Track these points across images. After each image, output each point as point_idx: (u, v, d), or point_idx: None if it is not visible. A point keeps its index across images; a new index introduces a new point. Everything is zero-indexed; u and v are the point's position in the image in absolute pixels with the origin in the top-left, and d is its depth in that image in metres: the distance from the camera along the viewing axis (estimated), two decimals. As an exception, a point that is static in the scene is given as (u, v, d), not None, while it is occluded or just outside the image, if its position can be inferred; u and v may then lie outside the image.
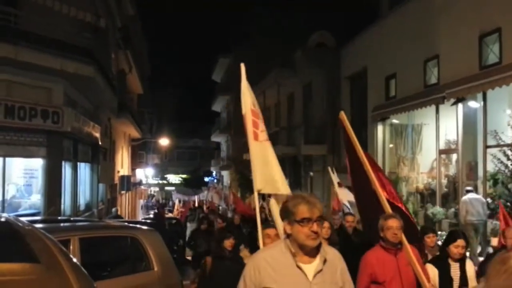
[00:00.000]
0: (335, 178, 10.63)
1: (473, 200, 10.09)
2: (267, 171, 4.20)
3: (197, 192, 35.48)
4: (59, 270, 2.39)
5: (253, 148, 4.28)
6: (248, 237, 6.27)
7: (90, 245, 5.41)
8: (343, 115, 4.58)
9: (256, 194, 4.13)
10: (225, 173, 40.28)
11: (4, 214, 3.49)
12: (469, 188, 10.48)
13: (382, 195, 4.30)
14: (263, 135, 4.37)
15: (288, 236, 2.63)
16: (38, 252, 2.45)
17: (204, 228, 10.64)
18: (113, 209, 18.33)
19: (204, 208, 20.79)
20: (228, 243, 5.59)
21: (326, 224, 5.93)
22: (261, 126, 4.43)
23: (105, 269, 5.59)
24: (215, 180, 48.10)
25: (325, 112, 19.19)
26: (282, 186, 4.22)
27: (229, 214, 14.90)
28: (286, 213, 2.63)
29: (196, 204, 25.34)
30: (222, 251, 5.66)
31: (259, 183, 4.11)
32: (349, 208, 9.60)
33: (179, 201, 33.33)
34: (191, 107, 59.51)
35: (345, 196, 9.68)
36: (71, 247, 5.06)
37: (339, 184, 10.33)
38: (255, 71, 30.45)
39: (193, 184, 51.15)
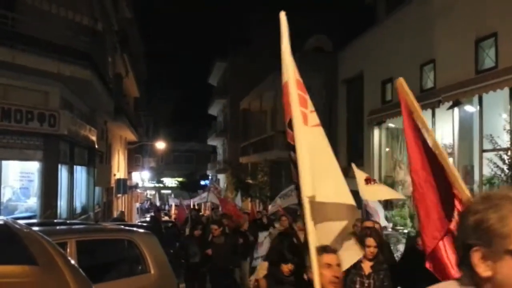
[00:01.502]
0: (360, 174, 8.43)
1: None
2: (321, 170, 2.91)
3: (193, 195, 35.38)
4: (57, 272, 2.40)
5: (301, 136, 2.88)
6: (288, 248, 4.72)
7: (87, 248, 5.42)
8: (401, 83, 3.21)
9: (306, 202, 2.79)
10: (221, 177, 40.27)
11: (2, 217, 3.49)
12: None
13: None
14: (313, 117, 3.04)
15: (479, 281, 1.34)
16: (37, 255, 2.46)
17: (198, 234, 9.51)
18: (119, 211, 18.60)
19: (206, 212, 20.46)
20: (286, 269, 4.58)
21: (371, 241, 5.18)
22: (310, 105, 3.12)
23: (102, 272, 5.58)
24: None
25: (321, 116, 19.20)
26: (343, 193, 3.00)
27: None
28: (478, 233, 1.33)
29: (194, 206, 25.01)
30: (280, 274, 4.65)
31: (311, 187, 2.78)
32: (370, 212, 8.35)
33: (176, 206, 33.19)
34: (187, 111, 59.56)
35: (374, 195, 8.00)
36: (68, 250, 5.05)
37: (367, 181, 8.18)
38: (251, 75, 30.39)
39: (189, 187, 51.10)
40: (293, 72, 3.17)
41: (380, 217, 8.98)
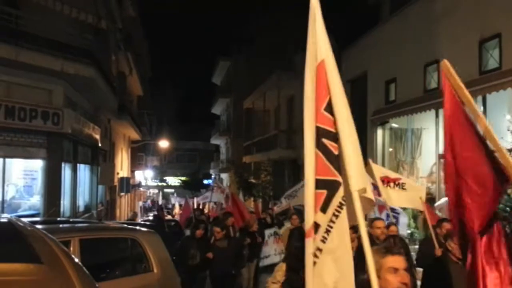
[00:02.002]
0: (378, 170, 7.58)
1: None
2: (360, 161, 2.56)
3: (195, 194, 35.37)
4: (61, 271, 2.40)
5: (348, 121, 2.61)
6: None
7: (90, 246, 5.41)
8: (446, 64, 2.92)
9: (356, 196, 2.44)
10: (225, 176, 40.30)
11: (6, 215, 3.50)
12: None
13: None
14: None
15: None
16: (41, 253, 2.46)
17: (200, 234, 8.44)
18: (132, 212, 18.96)
19: (206, 211, 20.32)
20: None
21: None
22: None
23: (105, 270, 5.60)
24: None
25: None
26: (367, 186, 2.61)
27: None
28: None
29: (198, 206, 24.60)
30: (300, 280, 3.75)
31: (362, 179, 2.49)
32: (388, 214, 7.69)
33: (180, 206, 32.98)
34: (191, 110, 59.68)
35: (391, 199, 7.33)
36: (71, 248, 5.06)
37: (384, 181, 7.28)
38: (255, 74, 30.29)
39: (192, 186, 51.16)
40: (330, 50, 2.67)
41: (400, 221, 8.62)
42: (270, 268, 8.50)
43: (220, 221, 10.09)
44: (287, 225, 11.00)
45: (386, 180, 7.33)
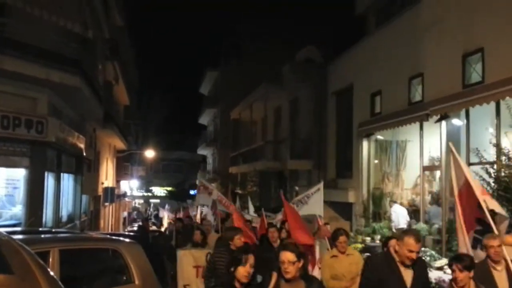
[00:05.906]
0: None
1: (397, 210, 12.68)
2: None
3: (182, 205, 34.96)
4: (33, 283, 2.35)
5: None
6: None
7: (70, 257, 5.32)
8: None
9: None
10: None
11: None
12: (394, 200, 13.29)
13: None
14: None
15: None
16: (13, 263, 2.40)
17: (250, 265, 4.52)
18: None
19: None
20: None
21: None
22: None
23: (85, 281, 5.51)
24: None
25: (311, 127, 19.29)
26: None
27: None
28: None
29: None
30: None
31: None
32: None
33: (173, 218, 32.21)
34: (178, 120, 59.52)
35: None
36: (50, 259, 4.97)
37: None
38: (242, 85, 30.41)
39: (178, 197, 50.83)
40: None
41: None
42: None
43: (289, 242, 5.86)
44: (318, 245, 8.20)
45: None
